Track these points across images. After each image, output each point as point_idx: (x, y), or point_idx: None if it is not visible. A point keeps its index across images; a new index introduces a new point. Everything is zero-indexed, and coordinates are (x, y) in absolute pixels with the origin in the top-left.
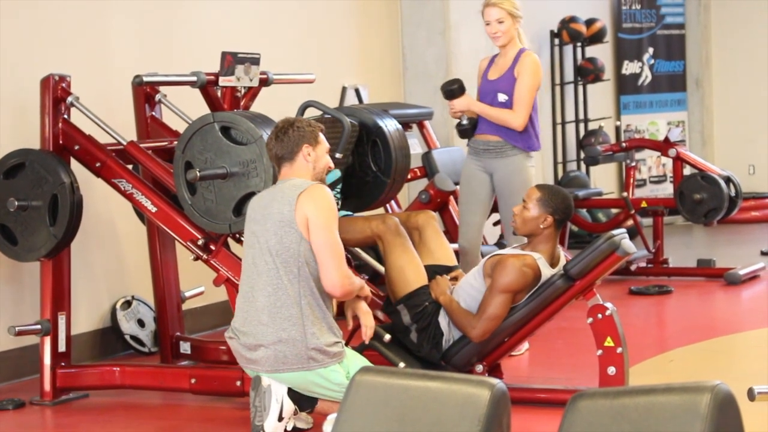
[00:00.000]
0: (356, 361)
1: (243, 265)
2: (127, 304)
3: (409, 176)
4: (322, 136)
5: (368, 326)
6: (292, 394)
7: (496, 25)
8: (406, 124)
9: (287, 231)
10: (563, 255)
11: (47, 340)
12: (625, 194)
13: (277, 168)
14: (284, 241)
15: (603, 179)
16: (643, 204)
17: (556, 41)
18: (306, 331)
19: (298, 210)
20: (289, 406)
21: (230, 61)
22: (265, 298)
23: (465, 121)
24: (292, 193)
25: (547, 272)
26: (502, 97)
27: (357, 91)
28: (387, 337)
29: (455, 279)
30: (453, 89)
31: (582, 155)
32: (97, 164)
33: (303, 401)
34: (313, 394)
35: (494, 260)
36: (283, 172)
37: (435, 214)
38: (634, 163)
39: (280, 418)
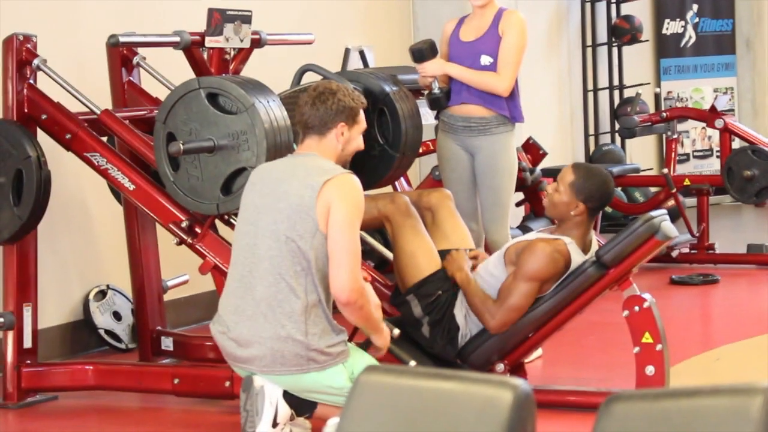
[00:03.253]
0: (361, 360)
1: (237, 242)
2: (102, 294)
3: (420, 150)
4: (362, 114)
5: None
6: (289, 397)
7: None
8: (417, 92)
9: (303, 218)
10: (595, 240)
11: (11, 335)
12: (665, 171)
13: (300, 134)
14: (298, 228)
15: (640, 154)
16: (686, 182)
17: None
18: (308, 330)
19: (322, 198)
20: (285, 411)
21: (218, 19)
22: (266, 288)
23: (436, 89)
24: (317, 177)
25: (578, 259)
26: (485, 60)
27: (361, 54)
28: (396, 331)
29: (475, 258)
30: (423, 49)
31: (617, 126)
32: (67, 136)
33: (301, 405)
34: (312, 398)
35: (520, 246)
36: (307, 144)
37: (450, 193)
38: (675, 136)
39: (275, 424)
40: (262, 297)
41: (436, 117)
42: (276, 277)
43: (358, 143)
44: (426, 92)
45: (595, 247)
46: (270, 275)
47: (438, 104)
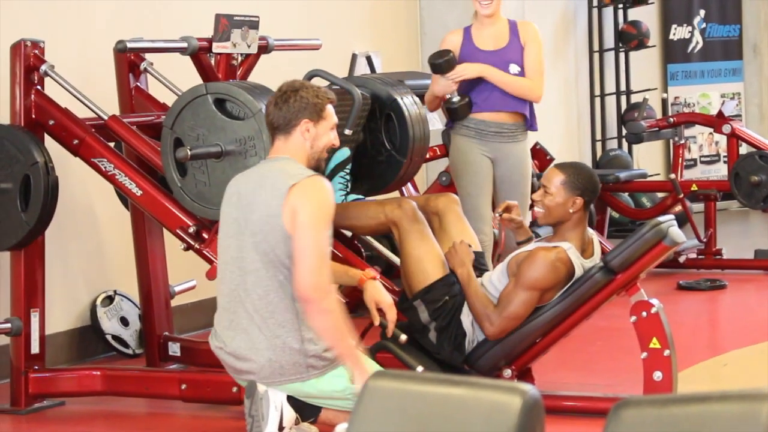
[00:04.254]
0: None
1: (222, 257)
2: (109, 299)
3: (427, 155)
4: (329, 110)
5: (392, 321)
6: (293, 401)
7: None
8: (422, 97)
9: (273, 226)
10: (597, 241)
11: (18, 341)
12: (672, 176)
13: (270, 138)
14: (270, 239)
15: (648, 159)
16: (694, 187)
17: (595, 2)
18: (303, 336)
19: (287, 203)
20: (290, 414)
21: (225, 24)
22: (256, 300)
23: (456, 99)
24: (283, 184)
25: (579, 263)
26: (514, 68)
27: (369, 59)
28: (403, 337)
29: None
30: (450, 60)
31: (624, 132)
32: (75, 141)
33: (305, 409)
34: (315, 403)
35: (520, 256)
36: (276, 146)
37: (457, 197)
38: (683, 141)
39: (281, 428)
40: (254, 309)
41: (449, 123)
42: (264, 288)
43: (329, 139)
44: (445, 102)
45: (597, 248)
46: (258, 288)
47: (458, 114)
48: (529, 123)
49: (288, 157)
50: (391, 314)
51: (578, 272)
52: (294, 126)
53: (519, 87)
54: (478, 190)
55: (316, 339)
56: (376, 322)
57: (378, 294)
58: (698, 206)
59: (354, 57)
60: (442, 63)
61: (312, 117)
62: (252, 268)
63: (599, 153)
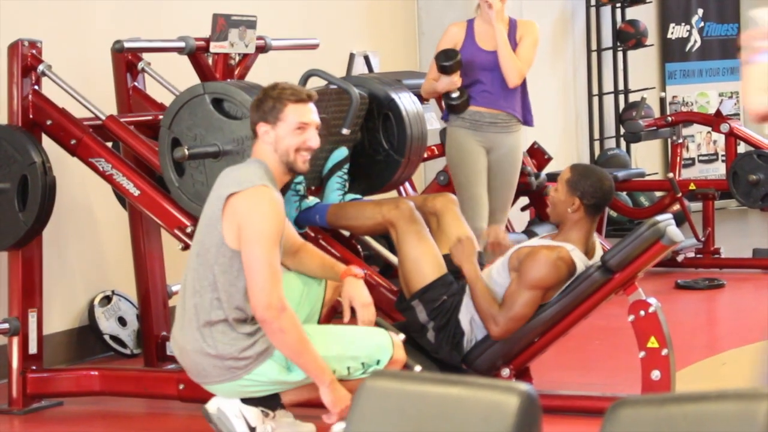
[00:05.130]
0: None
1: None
2: (107, 300)
3: (425, 155)
4: (289, 110)
5: (363, 321)
6: (247, 399)
7: None
8: (421, 96)
9: (211, 231)
10: (599, 244)
11: (16, 341)
12: (670, 175)
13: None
14: (206, 240)
15: (646, 158)
16: (692, 186)
17: (593, 1)
18: (216, 344)
19: (228, 212)
20: (253, 412)
21: (223, 24)
22: (188, 299)
23: (455, 95)
24: (227, 189)
25: (582, 265)
26: None
27: (366, 59)
28: (401, 336)
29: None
30: (457, 61)
31: (622, 131)
32: (73, 141)
33: (263, 400)
34: (258, 395)
35: (522, 252)
36: (253, 149)
37: (454, 197)
38: (681, 140)
39: (252, 429)
40: (187, 307)
41: (445, 116)
42: (193, 289)
43: (297, 140)
44: (444, 97)
45: (599, 252)
46: (190, 287)
47: (458, 109)
48: (523, 117)
49: (258, 160)
50: (363, 313)
51: (580, 273)
52: (255, 130)
53: (512, 61)
54: (476, 178)
55: (232, 342)
56: (346, 319)
57: (354, 291)
58: (696, 205)
59: (352, 56)
60: (450, 66)
61: (268, 120)
62: (192, 266)
63: (597, 152)
